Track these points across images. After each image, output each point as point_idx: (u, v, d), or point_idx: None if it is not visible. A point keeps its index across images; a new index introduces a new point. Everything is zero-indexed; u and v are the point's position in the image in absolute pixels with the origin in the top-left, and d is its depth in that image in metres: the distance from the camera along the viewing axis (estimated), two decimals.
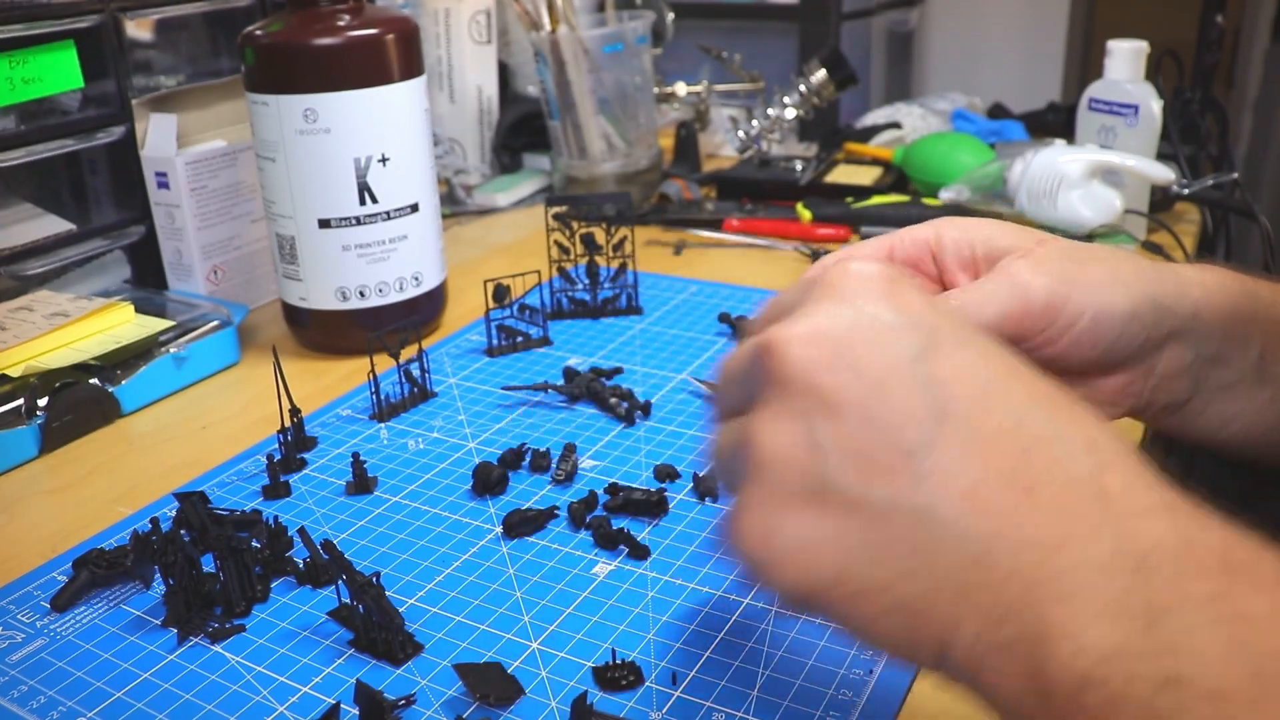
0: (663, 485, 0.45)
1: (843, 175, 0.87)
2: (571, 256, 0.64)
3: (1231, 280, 0.39)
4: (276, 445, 0.49)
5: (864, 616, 0.22)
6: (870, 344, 0.23)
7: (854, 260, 0.25)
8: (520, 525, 0.42)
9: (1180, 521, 0.21)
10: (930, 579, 0.21)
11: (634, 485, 0.45)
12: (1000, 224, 0.38)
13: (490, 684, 0.32)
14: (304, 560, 0.40)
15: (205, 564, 0.39)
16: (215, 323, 0.59)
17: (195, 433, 0.53)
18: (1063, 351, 0.36)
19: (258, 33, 0.55)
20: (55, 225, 0.63)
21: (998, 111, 1.05)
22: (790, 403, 0.23)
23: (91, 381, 0.53)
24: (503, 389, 0.55)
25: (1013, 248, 0.37)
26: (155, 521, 0.40)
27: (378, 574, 0.36)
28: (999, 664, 0.21)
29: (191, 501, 0.41)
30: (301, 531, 0.39)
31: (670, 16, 0.97)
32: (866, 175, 0.87)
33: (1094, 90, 0.75)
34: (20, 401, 0.50)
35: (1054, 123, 0.99)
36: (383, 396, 0.53)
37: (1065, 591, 0.20)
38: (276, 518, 0.42)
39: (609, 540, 0.41)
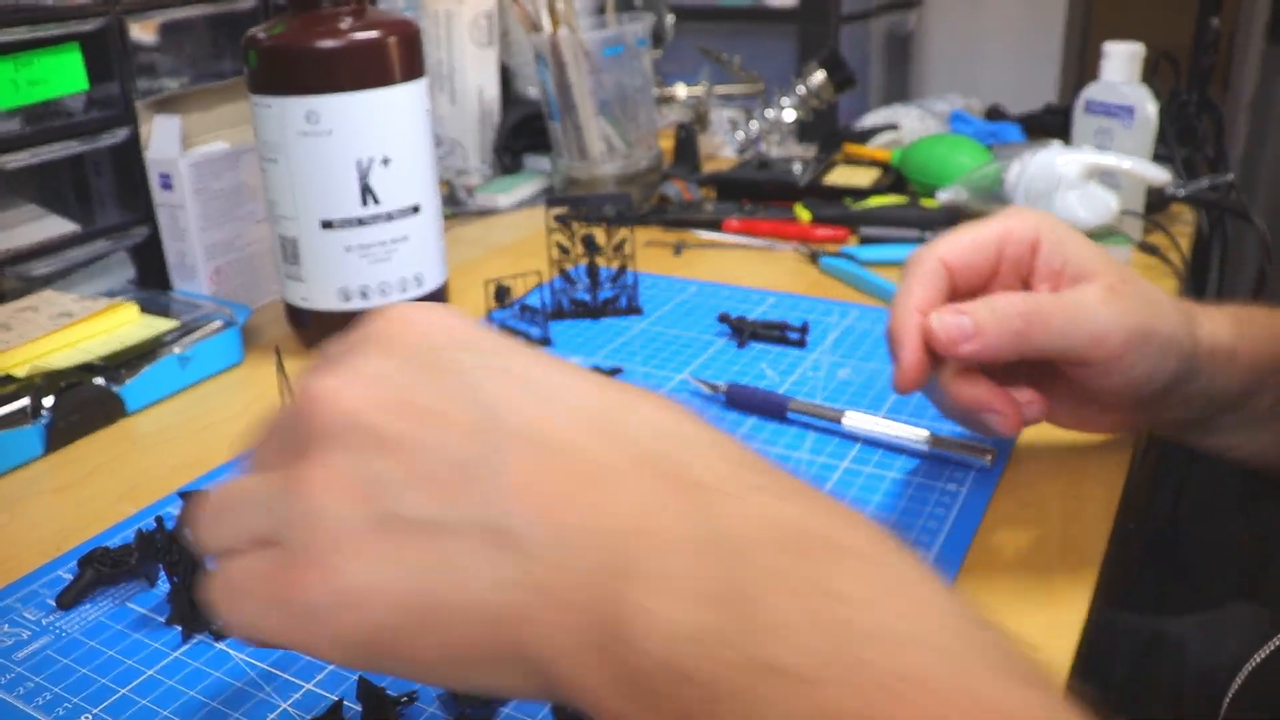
0: None
1: (841, 176, 0.88)
2: (572, 257, 0.65)
3: (1253, 340, 0.41)
4: None
5: (452, 646, 0.21)
6: (421, 377, 0.22)
7: (400, 307, 0.24)
8: None
9: (767, 499, 0.20)
10: (513, 590, 0.20)
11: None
12: (1091, 245, 0.40)
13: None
14: None
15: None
16: (218, 323, 0.60)
17: (198, 432, 0.53)
18: (1106, 386, 0.39)
19: (260, 35, 0.56)
20: (60, 226, 0.63)
21: (995, 113, 1.05)
22: (342, 447, 0.21)
23: (96, 381, 0.53)
24: None
25: (1099, 274, 0.39)
26: (159, 520, 0.40)
27: None
28: (592, 666, 0.19)
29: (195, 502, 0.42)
30: None
31: (670, 19, 0.97)
32: (865, 176, 0.87)
33: (1090, 92, 0.75)
34: (26, 401, 0.51)
35: (1051, 124, 1.00)
36: None
37: (641, 576, 0.19)
38: None
39: None
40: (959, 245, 0.40)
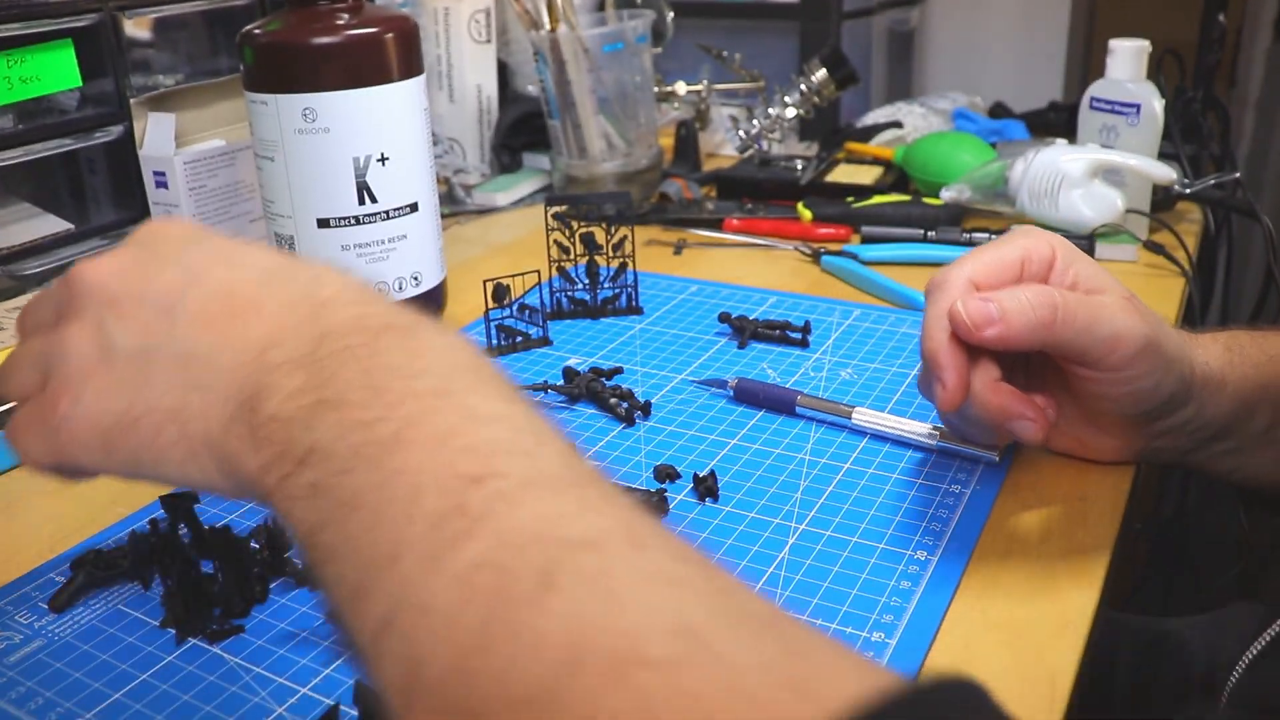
0: (663, 485, 0.45)
1: (843, 175, 0.87)
2: (571, 256, 0.64)
3: (1243, 364, 0.43)
4: None
5: (157, 443, 0.28)
6: (150, 256, 0.30)
7: (153, 221, 0.32)
8: None
9: (362, 308, 0.28)
10: (188, 392, 0.28)
11: (634, 485, 0.45)
12: (1098, 267, 0.42)
13: None
14: (303, 561, 0.39)
15: (204, 566, 0.39)
16: None
17: None
18: (1110, 394, 0.40)
19: (256, 32, 0.55)
20: (53, 225, 0.63)
21: (999, 111, 1.05)
22: (87, 307, 0.29)
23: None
24: None
25: (1110, 290, 0.41)
26: (154, 522, 0.40)
27: None
28: (233, 433, 0.27)
29: (175, 507, 0.41)
30: None
31: (670, 15, 0.97)
32: (867, 175, 0.87)
33: (1095, 89, 0.74)
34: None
35: (1055, 122, 0.99)
36: None
37: (271, 363, 0.27)
38: (275, 518, 0.42)
39: None
40: (985, 265, 0.40)
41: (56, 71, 0.60)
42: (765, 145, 0.92)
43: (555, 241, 0.64)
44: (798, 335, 0.59)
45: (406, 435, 0.24)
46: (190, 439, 0.28)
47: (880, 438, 0.48)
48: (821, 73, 0.90)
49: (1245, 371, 0.42)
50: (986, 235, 0.71)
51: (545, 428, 0.26)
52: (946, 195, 0.77)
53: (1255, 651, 0.44)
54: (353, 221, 0.57)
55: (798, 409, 0.50)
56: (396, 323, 0.27)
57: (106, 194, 0.66)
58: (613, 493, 0.24)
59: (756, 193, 0.85)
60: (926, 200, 0.79)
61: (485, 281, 0.60)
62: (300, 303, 0.28)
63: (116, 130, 0.64)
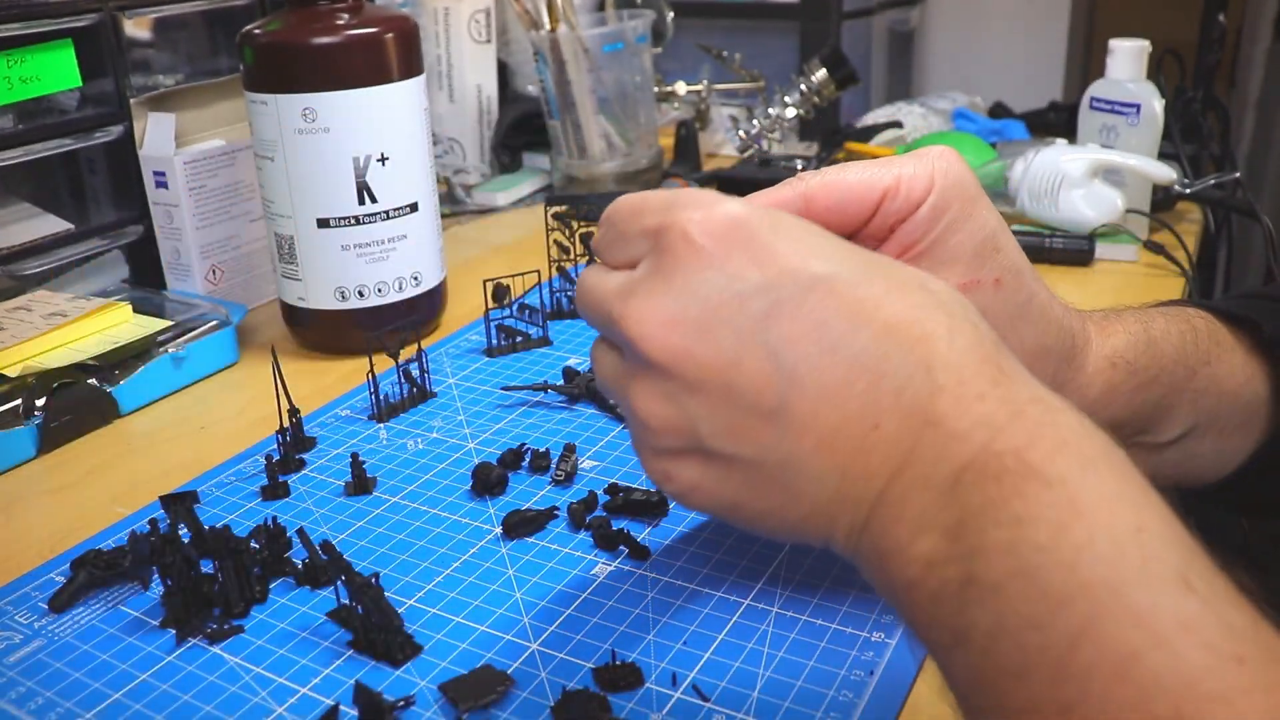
0: None
1: None
2: (571, 256, 0.64)
3: (1126, 370, 0.38)
4: (275, 445, 0.49)
5: (762, 529, 0.28)
6: (720, 321, 0.26)
7: (692, 217, 0.27)
8: (520, 526, 0.42)
9: (989, 431, 0.24)
10: (803, 507, 0.27)
11: (634, 486, 0.45)
12: (990, 220, 0.34)
13: (470, 691, 0.32)
14: (303, 561, 0.39)
15: (203, 565, 0.39)
16: (214, 323, 0.59)
17: (194, 433, 0.53)
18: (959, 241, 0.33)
19: (256, 31, 0.55)
20: (53, 225, 0.63)
21: (999, 110, 1.05)
22: (658, 382, 0.27)
23: (89, 382, 0.53)
24: (502, 389, 0.55)
25: (974, 268, 0.34)
26: (154, 522, 0.40)
27: (377, 575, 0.36)
28: (863, 565, 0.26)
29: (175, 508, 0.41)
30: (300, 532, 0.39)
31: (670, 15, 0.97)
32: None
33: (1095, 89, 0.74)
34: (18, 402, 0.50)
35: (1055, 122, 0.99)
36: (382, 397, 0.53)
37: (898, 514, 0.25)
38: (275, 518, 0.42)
39: (609, 541, 0.41)
40: (834, 187, 0.32)
41: (56, 71, 0.60)
42: (765, 145, 0.91)
43: (555, 241, 0.63)
44: None
45: (1082, 653, 0.21)
46: (807, 535, 0.27)
47: None
48: (821, 73, 0.90)
49: (1122, 396, 0.38)
50: None
51: (1243, 625, 0.21)
52: None
53: None
54: (352, 221, 0.57)
55: None
56: (1031, 456, 0.23)
57: (106, 194, 0.66)
58: None
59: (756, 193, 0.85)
60: None
61: (485, 281, 0.60)
62: (913, 413, 0.25)
63: (116, 130, 0.63)
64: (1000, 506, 0.23)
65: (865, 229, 0.33)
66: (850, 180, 0.32)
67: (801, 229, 0.27)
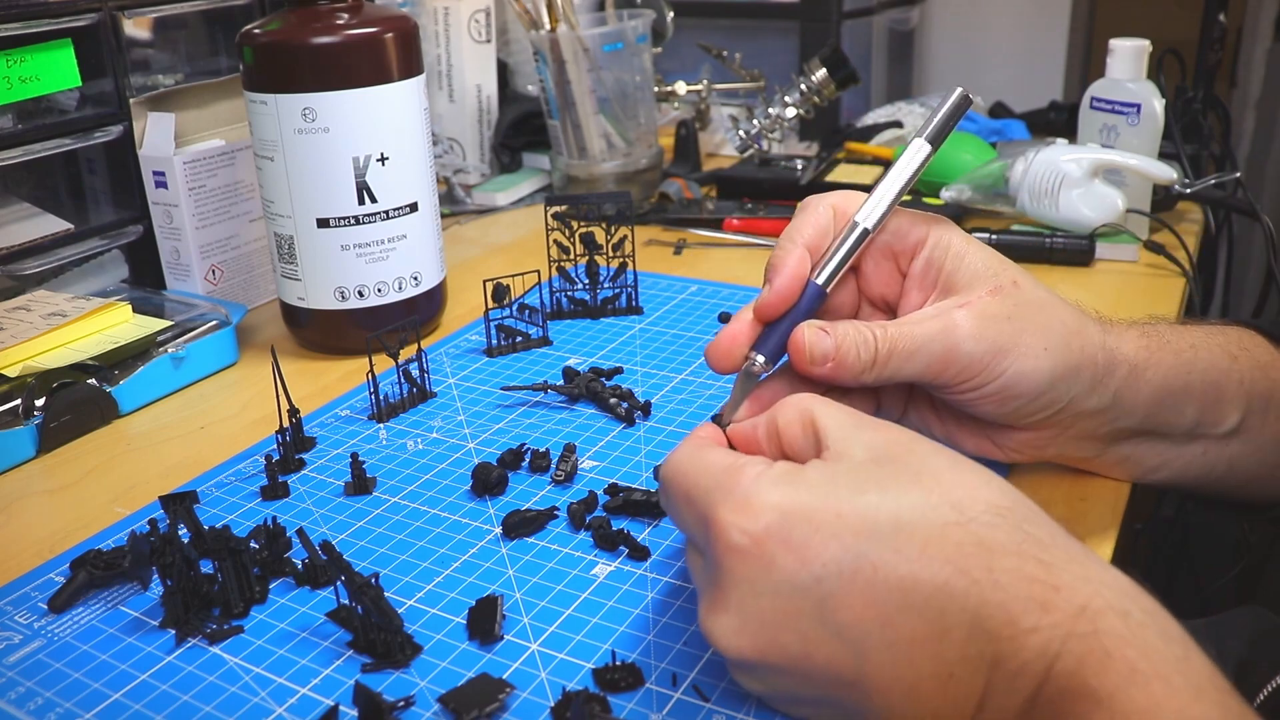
0: None
1: (844, 174, 0.87)
2: (571, 256, 0.64)
3: (1164, 352, 0.41)
4: (275, 445, 0.49)
5: None
6: (781, 624, 0.29)
7: (733, 522, 0.29)
8: (520, 526, 0.42)
9: (1049, 664, 0.27)
10: None
11: (634, 486, 0.45)
12: (983, 254, 0.39)
13: (471, 700, 0.32)
14: (302, 561, 0.39)
15: (203, 566, 0.39)
16: (213, 323, 0.59)
17: (193, 433, 0.53)
18: (971, 402, 0.39)
19: (256, 31, 0.55)
20: (53, 225, 0.63)
21: (999, 110, 1.05)
22: (743, 669, 0.31)
23: (89, 382, 0.53)
24: (502, 389, 0.55)
25: (973, 286, 0.38)
26: (153, 522, 0.40)
27: (376, 575, 0.36)
28: None
29: (175, 508, 0.41)
30: (300, 533, 0.39)
31: (670, 15, 0.97)
32: (867, 174, 0.86)
33: (1096, 89, 0.74)
34: (18, 402, 0.50)
35: (1056, 122, 0.99)
36: (382, 397, 0.53)
37: None
38: (275, 518, 0.42)
39: (609, 541, 0.41)
40: (851, 196, 0.41)
41: (56, 71, 0.60)
42: (765, 145, 0.91)
43: (555, 241, 0.63)
44: None
45: None
46: None
47: None
48: (822, 72, 0.90)
49: (1165, 359, 0.41)
50: (986, 235, 0.71)
51: None
52: (947, 195, 0.77)
53: None
54: (352, 221, 0.57)
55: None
56: (1090, 680, 0.26)
57: (106, 194, 0.66)
58: None
59: (756, 193, 0.85)
60: (927, 200, 0.79)
61: (485, 281, 0.60)
62: (975, 661, 0.27)
63: (116, 130, 0.63)
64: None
65: (873, 274, 0.41)
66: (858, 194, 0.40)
67: (833, 503, 0.29)
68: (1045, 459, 0.43)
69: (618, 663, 0.34)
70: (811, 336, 0.38)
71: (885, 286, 0.41)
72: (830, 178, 0.86)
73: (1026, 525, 0.29)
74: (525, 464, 0.47)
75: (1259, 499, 0.46)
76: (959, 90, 0.40)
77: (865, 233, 0.39)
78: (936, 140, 0.40)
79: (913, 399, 0.44)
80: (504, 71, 0.98)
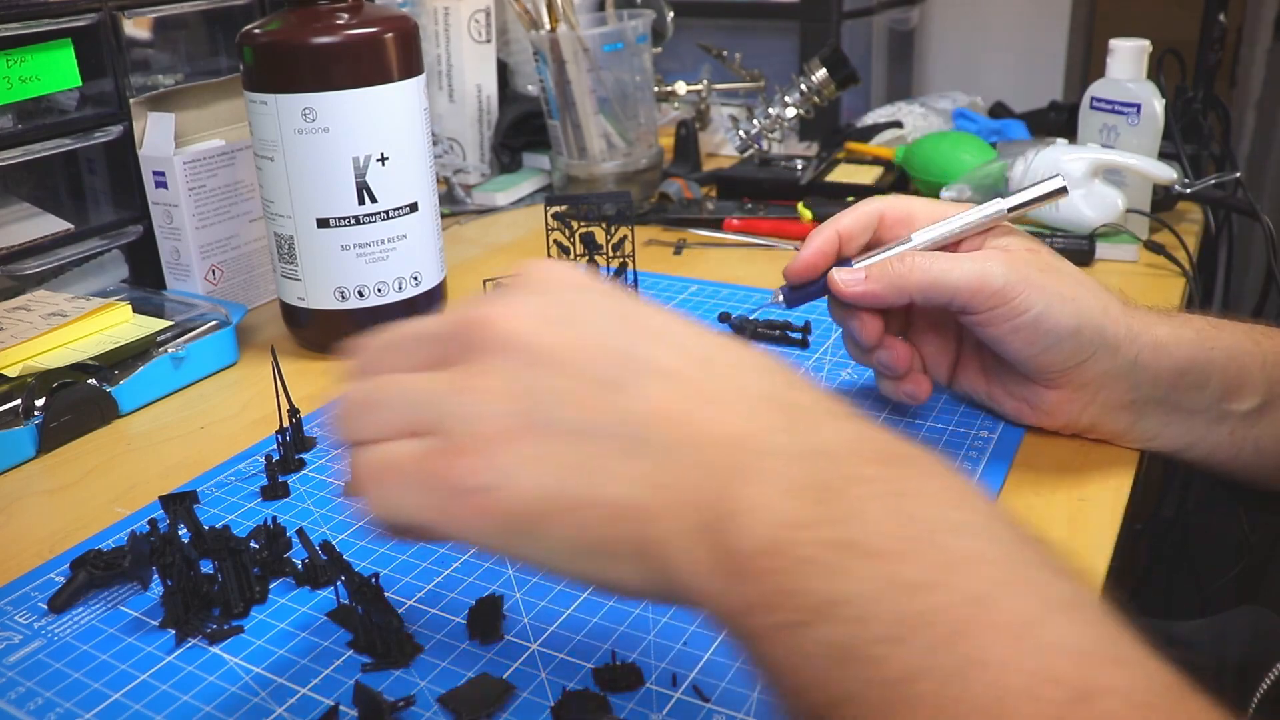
0: None
1: (844, 174, 0.87)
2: (571, 256, 0.64)
3: (1185, 328, 0.43)
4: (275, 445, 0.49)
5: (581, 535, 0.24)
6: (566, 310, 0.26)
7: (539, 263, 0.29)
8: None
9: (854, 424, 0.25)
10: (639, 487, 0.24)
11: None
12: (1013, 232, 0.44)
13: (472, 702, 0.32)
14: (303, 561, 0.39)
15: (203, 566, 0.39)
16: (213, 322, 0.59)
17: (193, 433, 0.53)
18: (1003, 335, 0.43)
19: (256, 31, 0.55)
20: (53, 224, 0.63)
21: (999, 110, 1.05)
22: (504, 359, 0.25)
23: (89, 382, 0.53)
24: None
25: (1009, 247, 0.43)
26: (153, 522, 0.40)
27: (376, 575, 0.36)
28: (694, 548, 0.23)
29: (175, 508, 0.41)
30: (300, 533, 0.39)
31: (670, 15, 0.97)
32: (868, 174, 0.86)
33: (1096, 89, 0.74)
34: (18, 402, 0.50)
35: (1056, 122, 0.99)
36: None
37: (750, 475, 0.23)
38: (275, 518, 0.42)
39: None
40: (847, 218, 0.45)
41: (56, 71, 0.60)
42: (765, 145, 0.91)
43: (555, 241, 0.63)
44: (798, 335, 0.59)
45: (978, 615, 0.20)
46: (631, 539, 0.24)
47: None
48: (822, 72, 0.90)
49: (1186, 334, 0.43)
50: None
51: (1112, 614, 0.22)
52: (947, 195, 0.77)
53: None
54: (352, 221, 0.57)
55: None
56: (900, 453, 0.24)
57: (106, 194, 0.66)
58: (1208, 709, 0.20)
59: (756, 193, 0.85)
60: None
61: (485, 281, 0.60)
62: (770, 403, 0.25)
63: (116, 130, 0.63)
64: (879, 481, 0.23)
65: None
66: (852, 214, 0.46)
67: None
68: (1079, 429, 0.46)
69: (618, 663, 0.34)
70: (840, 274, 0.44)
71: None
72: (830, 178, 0.86)
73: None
74: None
75: None
76: (1059, 179, 0.45)
77: (908, 242, 0.45)
78: (1015, 210, 0.44)
79: (961, 361, 0.48)
80: (504, 71, 0.98)
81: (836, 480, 0.23)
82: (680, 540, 0.23)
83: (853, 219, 0.45)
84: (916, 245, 0.44)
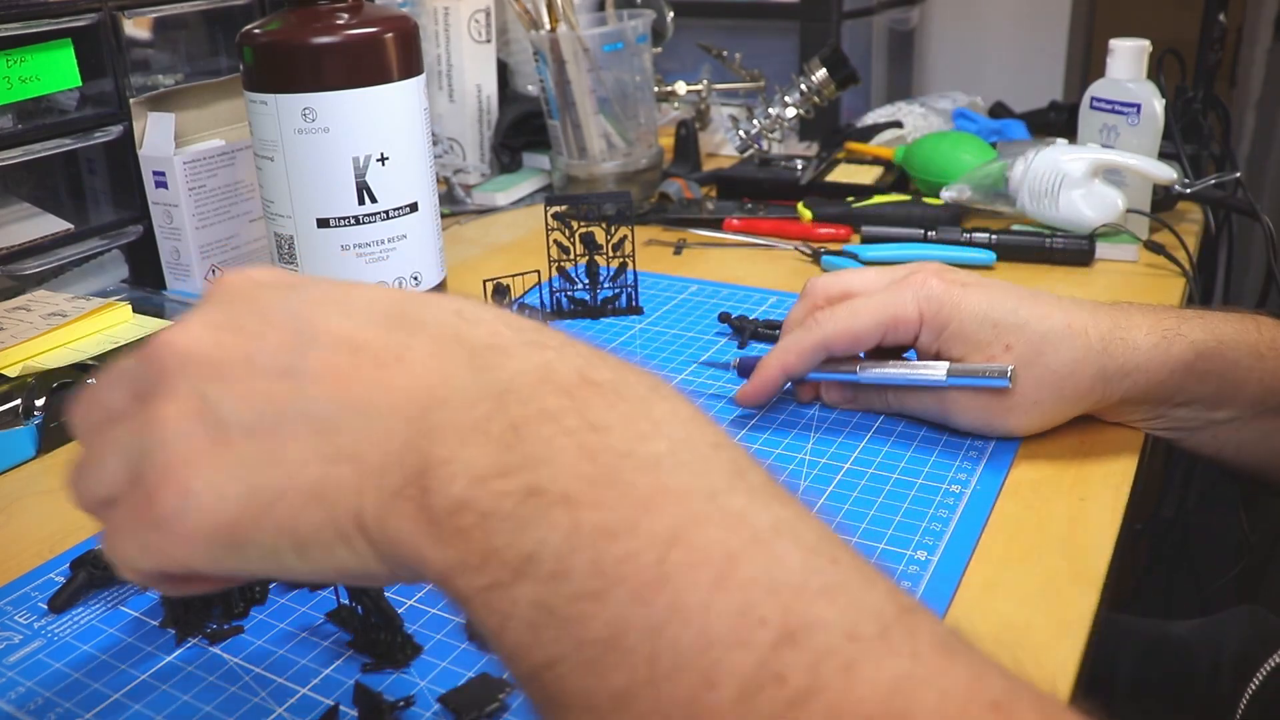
0: None
1: (844, 174, 0.87)
2: (571, 256, 0.64)
3: (1186, 354, 0.43)
4: None
5: (290, 529, 0.23)
6: (244, 312, 0.25)
7: (232, 271, 0.27)
8: None
9: (543, 352, 0.23)
10: (330, 465, 0.23)
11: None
12: (975, 322, 0.44)
13: (471, 701, 0.32)
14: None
15: None
16: None
17: None
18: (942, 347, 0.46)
19: (256, 31, 0.55)
20: (53, 225, 0.63)
21: (999, 110, 1.05)
22: (180, 382, 0.24)
23: (89, 382, 0.53)
24: None
25: (971, 354, 0.44)
26: None
27: None
28: (397, 514, 0.22)
29: None
30: None
31: (670, 15, 0.97)
32: (868, 174, 0.86)
33: (1096, 89, 0.74)
34: (18, 402, 0.50)
35: (1056, 122, 0.99)
36: None
37: (437, 427, 0.22)
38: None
39: None
40: (845, 333, 0.46)
41: (56, 71, 0.60)
42: (765, 145, 0.91)
43: (555, 241, 0.63)
44: None
45: (675, 557, 0.19)
46: (339, 520, 0.23)
47: (889, 384, 0.48)
48: (822, 72, 0.90)
49: (1181, 353, 0.43)
50: (986, 235, 0.71)
51: (832, 535, 0.21)
52: (947, 195, 0.77)
53: (1277, 662, 0.43)
54: (352, 221, 0.57)
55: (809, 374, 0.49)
56: (594, 376, 0.22)
57: (106, 194, 0.66)
58: (933, 621, 0.19)
59: (756, 193, 0.85)
60: (927, 200, 0.79)
61: (485, 281, 0.60)
62: (452, 346, 0.23)
63: (116, 130, 0.63)
64: (568, 415, 0.21)
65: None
66: (857, 329, 0.45)
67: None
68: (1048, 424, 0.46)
69: None
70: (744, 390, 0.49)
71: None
72: (830, 178, 0.86)
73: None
74: None
75: None
76: (1008, 372, 0.44)
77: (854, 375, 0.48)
78: (950, 380, 0.46)
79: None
80: (504, 71, 0.98)
81: (523, 419, 0.21)
82: (385, 509, 0.22)
83: (797, 356, 0.47)
84: (862, 380, 0.47)
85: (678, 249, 0.77)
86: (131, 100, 0.63)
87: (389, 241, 0.58)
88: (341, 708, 0.33)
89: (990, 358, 0.43)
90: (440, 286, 0.63)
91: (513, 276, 0.61)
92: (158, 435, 0.23)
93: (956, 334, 0.44)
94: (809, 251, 0.74)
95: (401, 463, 0.22)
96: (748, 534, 0.19)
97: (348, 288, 0.25)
